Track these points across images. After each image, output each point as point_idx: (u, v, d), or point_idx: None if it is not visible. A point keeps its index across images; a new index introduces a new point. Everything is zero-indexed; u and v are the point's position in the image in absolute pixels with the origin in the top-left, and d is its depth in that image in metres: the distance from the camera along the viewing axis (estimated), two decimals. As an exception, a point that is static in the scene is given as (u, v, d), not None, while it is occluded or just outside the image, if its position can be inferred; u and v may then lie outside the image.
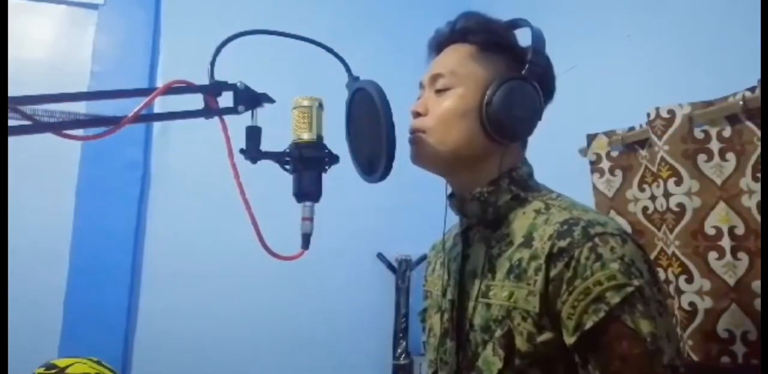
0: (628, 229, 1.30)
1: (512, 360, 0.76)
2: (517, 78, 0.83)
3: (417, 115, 0.87)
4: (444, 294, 0.93)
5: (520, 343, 0.76)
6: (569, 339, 0.74)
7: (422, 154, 0.86)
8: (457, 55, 0.88)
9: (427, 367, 0.96)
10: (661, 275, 1.21)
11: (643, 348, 0.70)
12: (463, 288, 0.88)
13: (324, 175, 0.81)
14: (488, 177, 0.86)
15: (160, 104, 1.23)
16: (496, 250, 0.84)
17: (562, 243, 0.76)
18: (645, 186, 1.32)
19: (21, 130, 0.63)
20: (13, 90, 0.68)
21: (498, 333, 0.78)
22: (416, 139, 0.86)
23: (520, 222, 0.84)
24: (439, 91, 0.87)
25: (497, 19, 0.91)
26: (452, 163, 0.87)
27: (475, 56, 0.87)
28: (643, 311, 0.71)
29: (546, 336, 0.75)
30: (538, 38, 0.85)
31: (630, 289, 0.71)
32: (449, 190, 0.93)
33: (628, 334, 0.70)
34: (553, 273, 0.75)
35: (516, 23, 0.91)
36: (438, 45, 0.93)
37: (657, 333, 0.71)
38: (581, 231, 0.76)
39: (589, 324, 0.71)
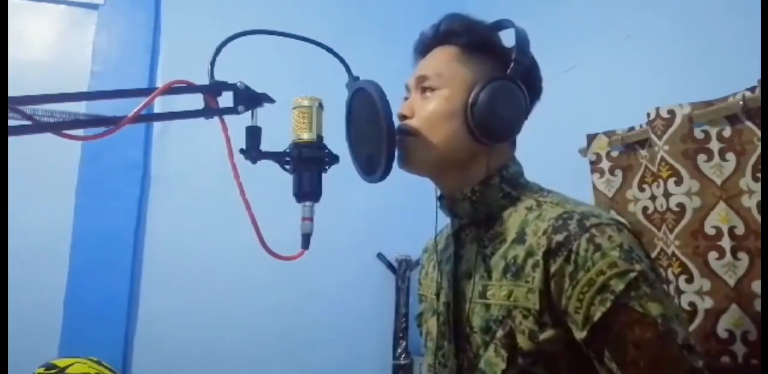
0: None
1: (515, 359, 0.76)
2: (502, 78, 0.83)
3: (403, 117, 0.87)
4: (438, 297, 0.92)
5: (523, 342, 0.76)
6: (580, 334, 0.73)
7: (410, 159, 0.85)
8: (441, 57, 0.88)
9: (426, 372, 0.95)
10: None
11: (655, 331, 0.69)
12: (458, 289, 0.87)
13: (324, 175, 0.81)
14: (477, 177, 0.86)
15: (160, 104, 1.23)
16: (489, 249, 0.84)
17: (559, 238, 0.75)
18: (645, 186, 1.32)
19: (21, 130, 0.63)
20: (13, 90, 0.68)
21: (499, 333, 0.78)
22: (403, 143, 0.85)
23: (512, 220, 0.83)
24: (424, 94, 0.87)
25: (481, 20, 0.90)
26: (440, 166, 0.86)
27: (459, 58, 0.87)
28: (650, 294, 0.71)
29: (548, 333, 0.75)
30: (521, 38, 0.85)
31: (633, 274, 0.71)
32: (438, 192, 0.92)
33: (638, 319, 0.70)
34: (553, 268, 0.75)
35: (500, 25, 0.90)
36: (423, 48, 0.92)
37: (667, 314, 0.70)
38: (577, 224, 0.76)
39: (597, 315, 0.71)
